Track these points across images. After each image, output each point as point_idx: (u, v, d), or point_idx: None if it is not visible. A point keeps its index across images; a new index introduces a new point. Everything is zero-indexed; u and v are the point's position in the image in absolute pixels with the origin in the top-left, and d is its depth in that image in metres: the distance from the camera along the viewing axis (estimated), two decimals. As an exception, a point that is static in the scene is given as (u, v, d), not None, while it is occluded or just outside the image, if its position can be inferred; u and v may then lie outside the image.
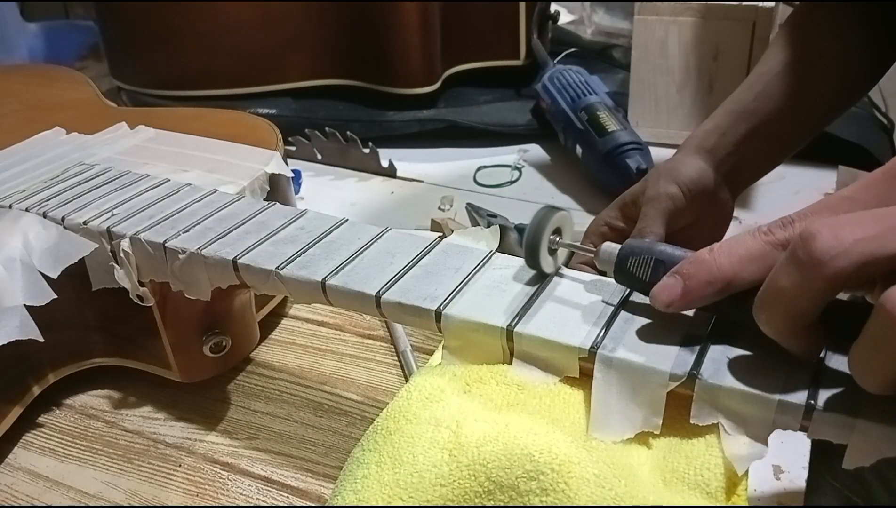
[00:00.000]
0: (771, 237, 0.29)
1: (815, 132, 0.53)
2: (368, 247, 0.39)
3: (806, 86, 0.50)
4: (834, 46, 0.50)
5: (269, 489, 0.42)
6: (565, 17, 1.06)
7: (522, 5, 0.87)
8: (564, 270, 0.36)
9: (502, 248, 0.38)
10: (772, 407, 0.28)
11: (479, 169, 0.77)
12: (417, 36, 0.83)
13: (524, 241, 0.35)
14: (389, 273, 0.36)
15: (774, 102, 0.50)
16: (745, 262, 0.29)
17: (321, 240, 0.40)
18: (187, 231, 0.41)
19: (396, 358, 0.51)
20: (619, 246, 0.34)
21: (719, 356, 0.30)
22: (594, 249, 0.34)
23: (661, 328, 0.32)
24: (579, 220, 0.66)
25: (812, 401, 0.27)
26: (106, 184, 0.48)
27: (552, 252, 0.35)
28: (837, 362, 0.28)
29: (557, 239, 0.35)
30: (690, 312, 0.32)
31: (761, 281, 0.27)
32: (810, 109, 0.51)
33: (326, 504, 0.32)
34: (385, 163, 0.77)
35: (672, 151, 0.53)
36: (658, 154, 0.71)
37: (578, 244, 0.36)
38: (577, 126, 0.73)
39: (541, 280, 0.35)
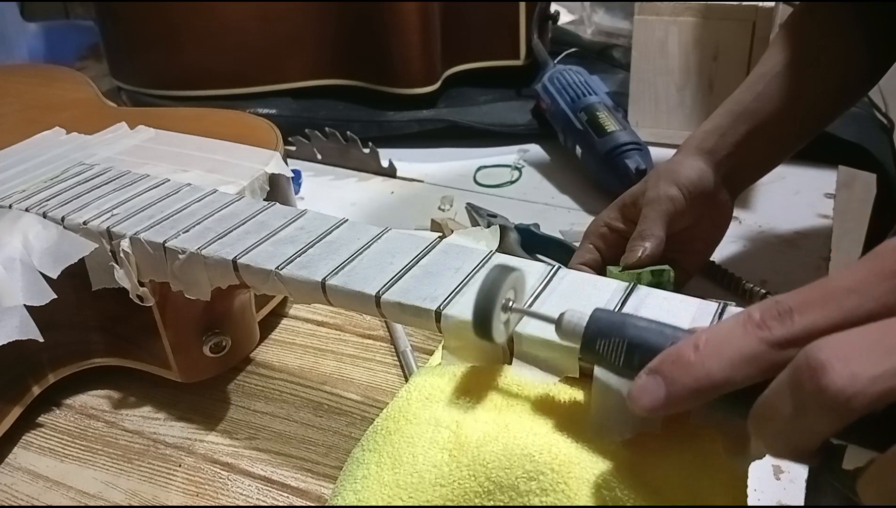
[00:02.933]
0: (766, 333, 0.25)
1: (814, 132, 0.53)
2: (368, 246, 0.39)
3: (806, 87, 0.50)
4: (834, 46, 0.50)
5: (269, 489, 0.42)
6: (565, 17, 1.06)
7: (522, 5, 0.87)
8: (564, 269, 0.36)
9: (502, 248, 0.38)
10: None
11: (479, 169, 0.77)
12: (417, 36, 0.83)
13: (473, 309, 0.30)
14: (389, 273, 0.36)
15: (774, 103, 0.50)
16: (737, 365, 0.25)
17: (321, 239, 0.40)
18: (187, 231, 0.41)
19: (396, 358, 0.51)
20: (584, 318, 0.29)
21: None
22: (553, 318, 0.30)
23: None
24: (579, 220, 0.66)
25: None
26: (106, 184, 0.48)
27: (505, 318, 0.31)
28: None
29: (511, 303, 0.31)
30: (691, 315, 0.32)
31: (755, 381, 0.25)
32: (810, 109, 0.51)
33: (326, 504, 0.32)
34: (385, 163, 0.77)
35: (672, 151, 0.53)
36: (658, 154, 0.71)
37: (534, 311, 0.31)
38: (577, 126, 0.73)
39: (542, 279, 0.35)
